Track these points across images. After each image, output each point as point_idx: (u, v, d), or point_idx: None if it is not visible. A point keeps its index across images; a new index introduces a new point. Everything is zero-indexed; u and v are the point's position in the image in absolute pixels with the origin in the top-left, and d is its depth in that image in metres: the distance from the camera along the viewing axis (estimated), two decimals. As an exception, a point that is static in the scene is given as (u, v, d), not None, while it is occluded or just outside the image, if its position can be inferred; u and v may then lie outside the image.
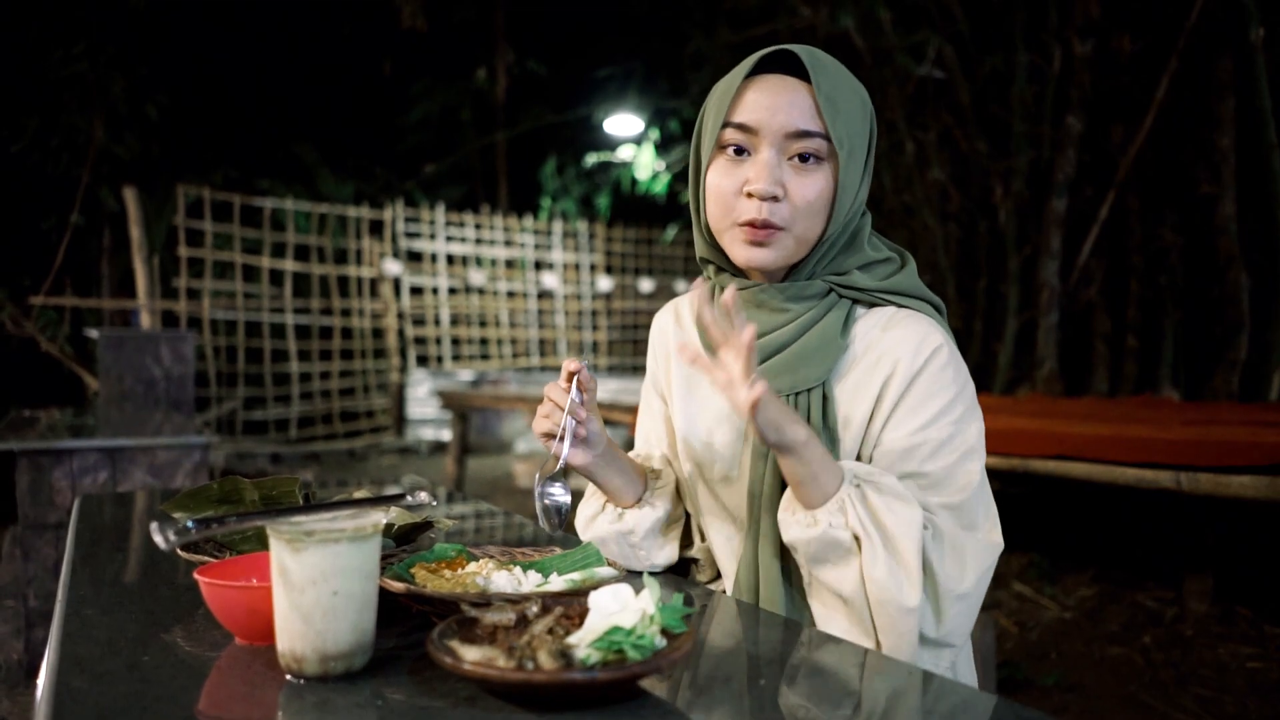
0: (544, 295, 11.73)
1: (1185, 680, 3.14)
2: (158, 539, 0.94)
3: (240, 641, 0.95)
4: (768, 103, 1.09)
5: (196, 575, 0.95)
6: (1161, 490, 2.87)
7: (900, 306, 1.16)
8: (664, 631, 0.82)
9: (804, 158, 1.09)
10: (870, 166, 1.16)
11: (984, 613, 3.07)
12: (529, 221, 11.57)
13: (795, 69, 1.11)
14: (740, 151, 1.11)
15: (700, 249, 1.23)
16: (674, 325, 1.35)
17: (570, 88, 13.04)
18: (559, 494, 1.17)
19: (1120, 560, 4.25)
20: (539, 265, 11.70)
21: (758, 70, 1.12)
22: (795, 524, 1.07)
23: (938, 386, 1.10)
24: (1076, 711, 2.96)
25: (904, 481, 1.10)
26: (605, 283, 12.00)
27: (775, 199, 1.09)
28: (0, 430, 3.58)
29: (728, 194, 1.12)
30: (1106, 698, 3.05)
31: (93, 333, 4.69)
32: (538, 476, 1.17)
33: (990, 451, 3.14)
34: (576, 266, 11.92)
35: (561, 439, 1.15)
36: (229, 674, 0.87)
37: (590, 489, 1.32)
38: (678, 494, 1.30)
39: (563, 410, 1.15)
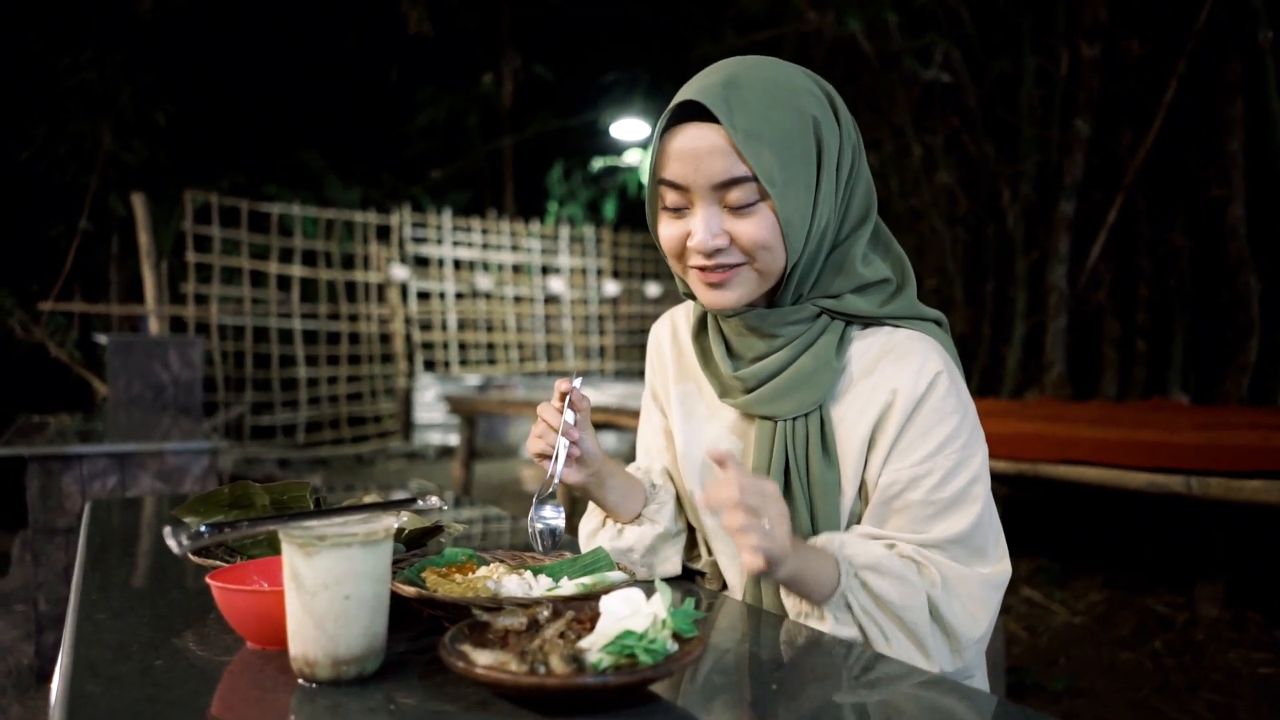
0: (551, 300, 11.74)
1: (1196, 685, 3.13)
2: (171, 543, 0.94)
3: (252, 646, 0.95)
4: (689, 157, 1.05)
5: (209, 580, 0.95)
6: (1172, 495, 2.86)
7: (897, 326, 1.14)
8: (675, 636, 0.82)
9: (738, 207, 1.05)
10: (826, 180, 1.08)
11: (993, 617, 3.05)
12: (536, 226, 11.58)
13: (712, 112, 1.04)
14: (679, 207, 1.10)
15: (680, 286, 1.21)
16: (670, 337, 1.33)
17: (576, 93, 13.07)
18: (551, 516, 1.17)
19: (1130, 565, 4.23)
20: (546, 270, 11.71)
21: (678, 119, 1.07)
22: (799, 619, 1.07)
23: (942, 415, 1.08)
24: (1087, 717, 2.95)
25: (911, 510, 1.08)
26: (612, 287, 12.01)
27: (720, 249, 1.07)
28: (10, 436, 3.59)
29: (676, 245, 1.11)
30: (1117, 703, 3.04)
31: (101, 338, 4.71)
32: (535, 498, 1.17)
33: (999, 456, 3.13)
34: (583, 271, 11.93)
35: (555, 459, 1.15)
36: (241, 678, 0.87)
37: (591, 504, 1.31)
38: (679, 507, 1.29)
39: (556, 431, 1.15)
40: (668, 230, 1.11)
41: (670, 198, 1.08)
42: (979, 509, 1.07)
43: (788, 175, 1.04)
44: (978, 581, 1.06)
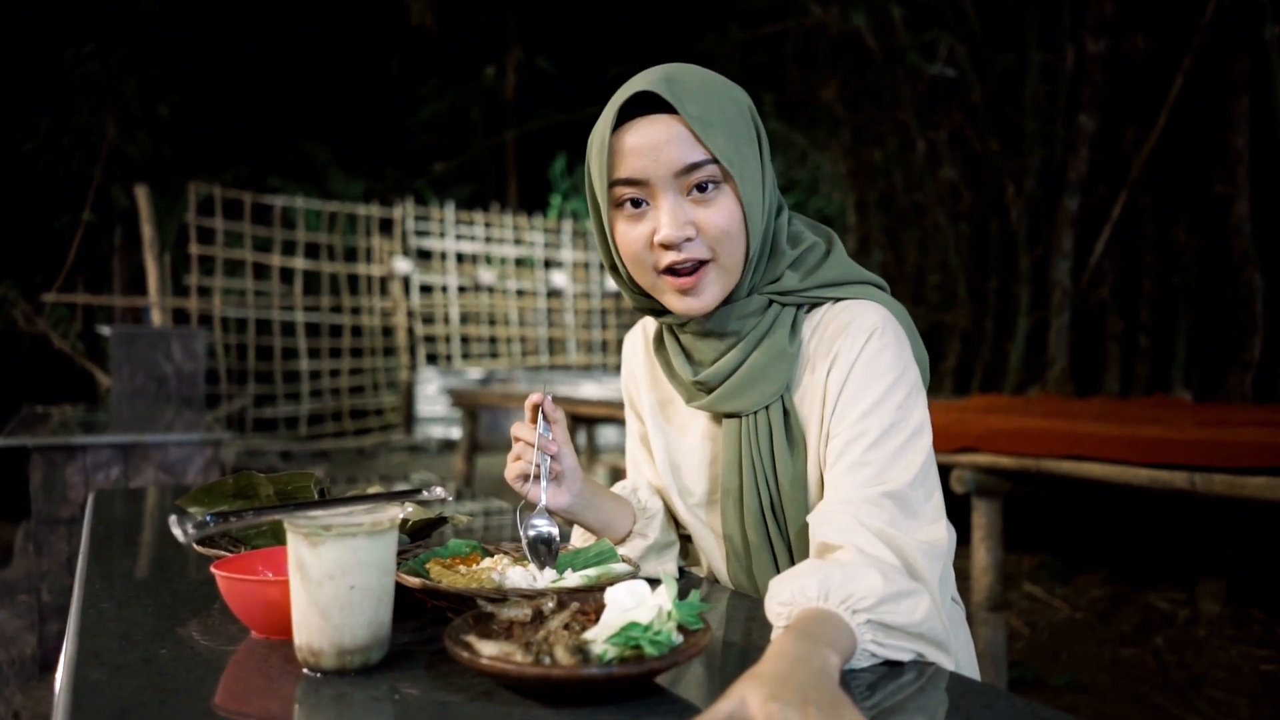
0: (553, 294, 11.73)
1: (1198, 682, 3.13)
2: (176, 532, 0.94)
3: (257, 636, 0.95)
4: (646, 149, 1.05)
5: (214, 569, 0.95)
6: (1175, 491, 2.85)
7: (838, 299, 1.13)
8: (680, 628, 0.82)
9: (702, 188, 1.06)
10: (767, 164, 1.10)
11: (994, 613, 3.06)
12: (538, 220, 11.58)
13: (660, 103, 1.05)
14: (638, 203, 1.08)
15: (633, 301, 1.20)
16: (643, 345, 1.32)
17: (579, 86, 13.04)
18: (544, 525, 1.09)
19: (1132, 561, 4.23)
20: (548, 264, 11.71)
21: (624, 117, 1.07)
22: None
23: (876, 372, 1.06)
24: (1088, 713, 2.95)
25: (850, 472, 1.02)
26: (614, 281, 12.00)
27: (689, 239, 1.06)
28: (14, 426, 3.59)
29: (640, 247, 1.08)
30: (1118, 699, 3.04)
31: (105, 330, 4.71)
32: (518, 512, 1.12)
33: (1001, 451, 3.13)
34: (586, 265, 11.93)
35: (537, 479, 1.10)
36: (246, 668, 0.87)
37: (577, 528, 1.26)
38: (669, 519, 1.27)
39: (533, 446, 1.10)
40: (631, 232, 1.09)
41: (628, 193, 1.07)
42: (915, 465, 1.03)
43: (742, 158, 1.06)
44: (914, 542, 0.98)
